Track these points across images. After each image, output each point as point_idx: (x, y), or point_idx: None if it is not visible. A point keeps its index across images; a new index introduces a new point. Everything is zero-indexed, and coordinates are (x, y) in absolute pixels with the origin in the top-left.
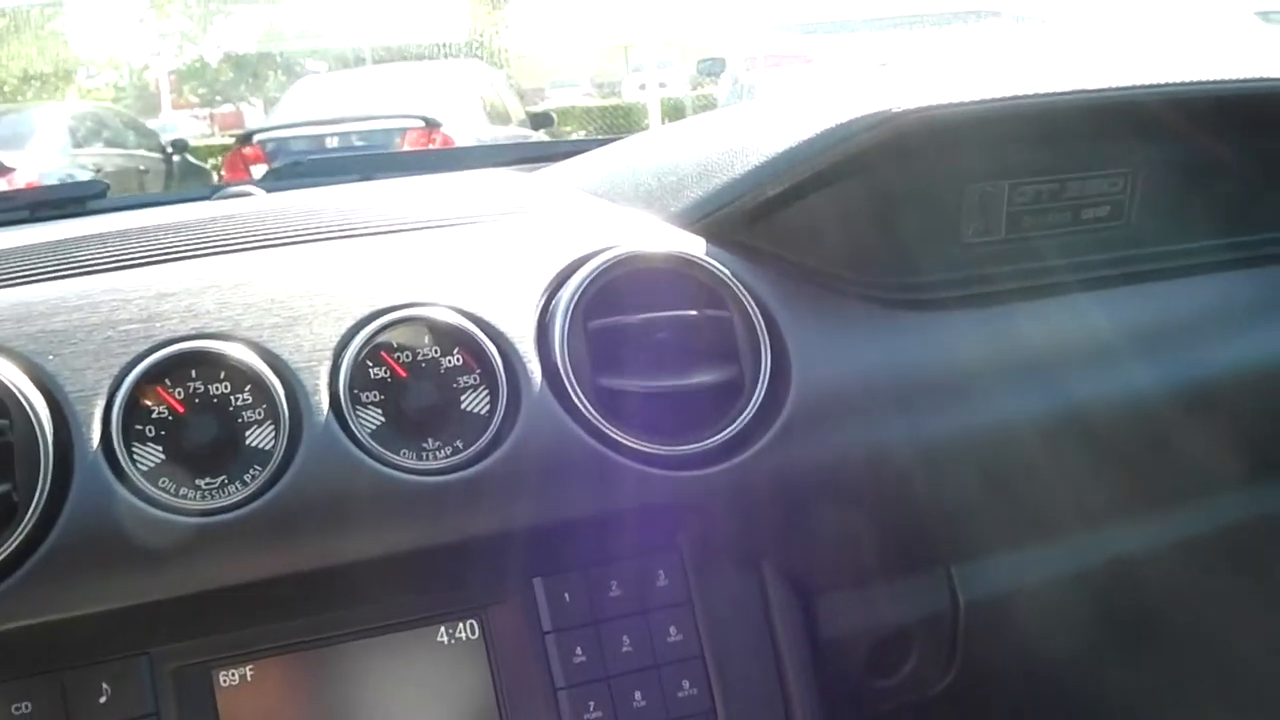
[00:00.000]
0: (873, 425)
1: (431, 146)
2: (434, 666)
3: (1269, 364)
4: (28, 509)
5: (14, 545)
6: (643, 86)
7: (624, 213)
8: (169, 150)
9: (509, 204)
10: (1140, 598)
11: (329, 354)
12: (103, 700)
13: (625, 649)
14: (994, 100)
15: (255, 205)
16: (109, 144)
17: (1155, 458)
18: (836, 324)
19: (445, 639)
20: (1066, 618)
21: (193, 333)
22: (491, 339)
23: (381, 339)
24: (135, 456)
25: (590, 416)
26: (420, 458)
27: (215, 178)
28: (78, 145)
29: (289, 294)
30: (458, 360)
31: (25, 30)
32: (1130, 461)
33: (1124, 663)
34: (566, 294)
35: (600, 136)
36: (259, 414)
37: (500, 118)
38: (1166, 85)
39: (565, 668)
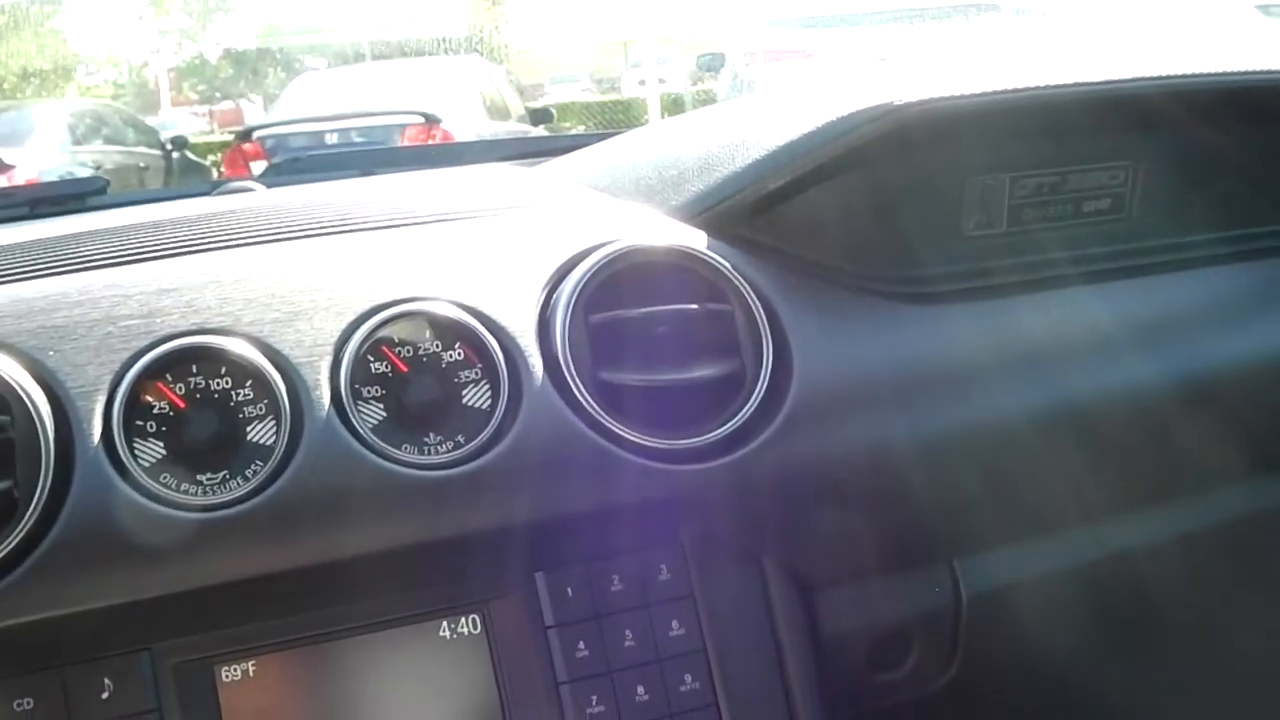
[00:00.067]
0: (874, 418)
1: (431, 142)
2: (436, 661)
3: (1270, 358)
4: (29, 505)
5: (15, 542)
6: (642, 82)
7: (625, 207)
8: (168, 147)
9: (510, 198)
10: (1140, 592)
11: (330, 349)
12: (104, 696)
13: (627, 643)
14: (995, 93)
15: (256, 200)
16: (108, 141)
17: (1155, 451)
18: (838, 318)
19: (447, 634)
20: (1067, 612)
21: (194, 328)
22: (493, 333)
23: (383, 334)
24: (136, 452)
25: (592, 411)
26: (422, 452)
27: (215, 174)
28: (77, 142)
29: (290, 289)
30: (459, 355)
31: (25, 27)
32: (1130, 455)
33: (1124, 657)
34: (568, 288)
35: (600, 132)
36: (260, 409)
37: (500, 113)
38: (1168, 78)
39: (567, 662)
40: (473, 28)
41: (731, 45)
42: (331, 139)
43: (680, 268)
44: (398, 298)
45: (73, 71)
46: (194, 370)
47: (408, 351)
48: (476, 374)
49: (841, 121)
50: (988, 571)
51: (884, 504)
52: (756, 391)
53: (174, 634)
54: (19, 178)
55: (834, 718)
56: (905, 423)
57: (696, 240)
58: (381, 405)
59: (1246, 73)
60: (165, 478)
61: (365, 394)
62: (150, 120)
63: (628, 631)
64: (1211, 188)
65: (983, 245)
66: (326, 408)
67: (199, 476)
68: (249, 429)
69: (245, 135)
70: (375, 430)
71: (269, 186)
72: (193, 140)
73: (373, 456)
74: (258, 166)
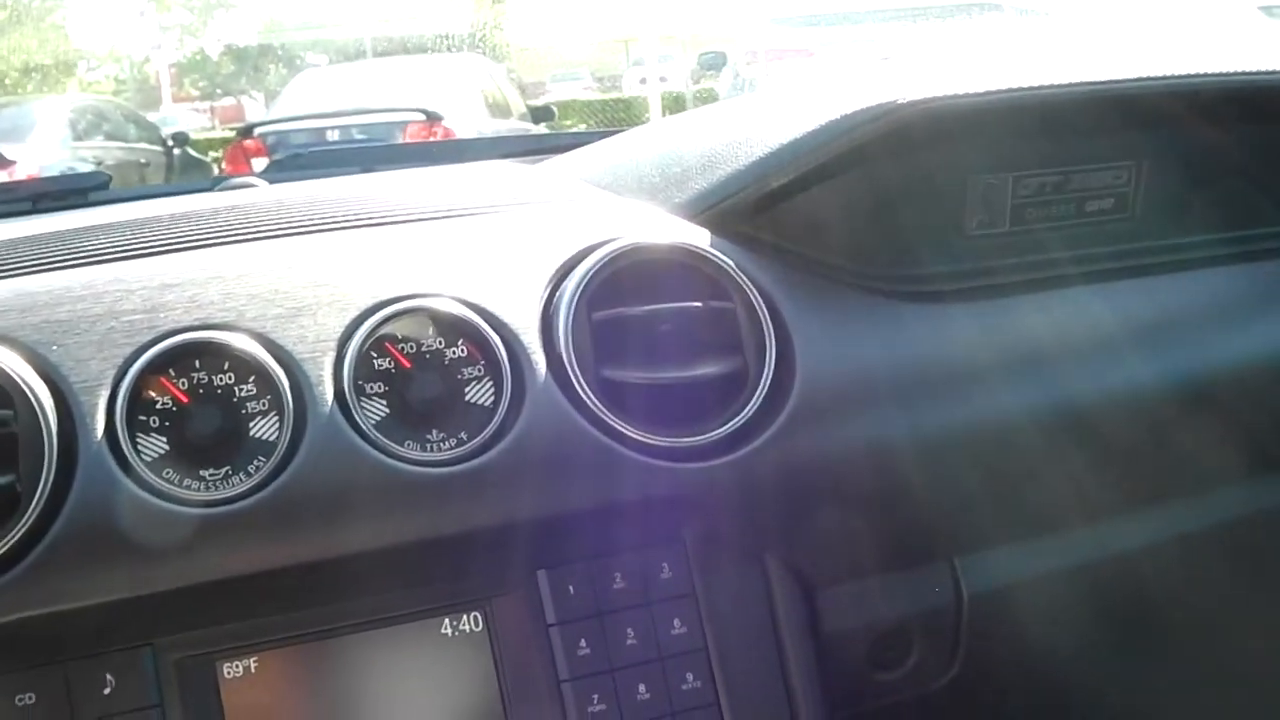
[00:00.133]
0: (876, 417)
1: (433, 139)
2: (438, 658)
3: (1271, 359)
4: (31, 500)
5: (17, 536)
6: (644, 80)
7: (627, 204)
8: (169, 143)
9: (513, 195)
10: (1141, 592)
11: (333, 345)
12: (106, 691)
13: (629, 641)
14: (998, 92)
15: (259, 196)
16: (109, 137)
17: (1156, 451)
18: (840, 316)
19: (449, 631)
20: (1068, 612)
21: (197, 323)
22: (496, 330)
23: (386, 330)
24: (139, 447)
25: (594, 408)
26: (424, 449)
27: (216, 171)
28: (78, 138)
29: (293, 285)
30: (462, 351)
31: (26, 23)
32: (1131, 455)
33: (1124, 657)
34: (571, 285)
35: (602, 129)
36: (263, 405)
37: (501, 111)
38: (1171, 78)
39: (569, 660)
40: (474, 25)
41: (733, 43)
42: (333, 136)
43: (683, 265)
44: (401, 294)
45: (74, 67)
46: (197, 365)
47: (411, 348)
48: (479, 371)
49: (844, 120)
50: (989, 571)
51: (885, 502)
52: (759, 390)
53: (176, 629)
54: (20, 173)
55: (835, 717)
56: (907, 421)
57: (699, 238)
58: (384, 402)
59: (1250, 73)
60: (168, 473)
61: (368, 390)
62: (151, 116)
63: (629, 630)
64: (1214, 188)
65: (985, 244)
66: (329, 404)
67: (202, 472)
68: (252, 425)
69: (247, 132)
70: (378, 427)
71: (271, 183)
72: (194, 136)
73: (375, 453)
74: (259, 163)
